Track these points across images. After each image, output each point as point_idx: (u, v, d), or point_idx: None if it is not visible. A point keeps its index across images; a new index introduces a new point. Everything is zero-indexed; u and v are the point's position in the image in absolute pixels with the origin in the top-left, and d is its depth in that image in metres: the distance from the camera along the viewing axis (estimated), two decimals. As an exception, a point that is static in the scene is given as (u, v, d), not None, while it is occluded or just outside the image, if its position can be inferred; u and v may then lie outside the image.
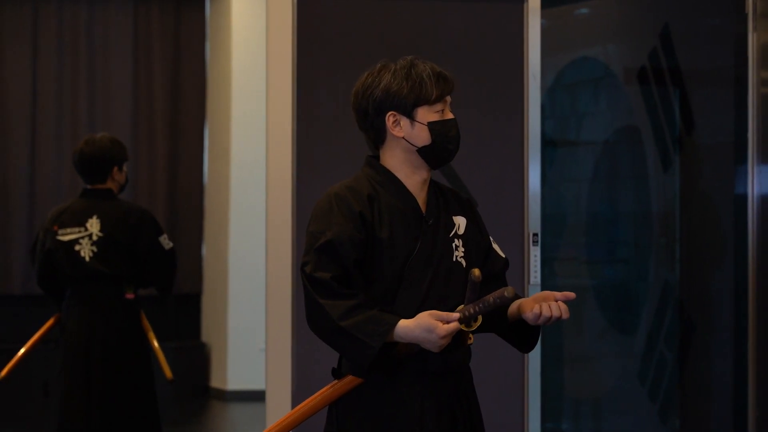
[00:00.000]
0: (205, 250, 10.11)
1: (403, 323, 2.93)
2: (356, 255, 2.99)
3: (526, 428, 5.14)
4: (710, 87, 6.38)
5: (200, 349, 9.99)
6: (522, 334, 3.17)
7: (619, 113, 6.53)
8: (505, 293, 2.86)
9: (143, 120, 9.89)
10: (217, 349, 9.86)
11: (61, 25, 9.69)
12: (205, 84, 10.06)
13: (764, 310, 5.47)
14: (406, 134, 3.09)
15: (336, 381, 3.08)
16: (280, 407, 4.93)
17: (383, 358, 2.95)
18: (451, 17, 5.16)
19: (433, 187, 3.17)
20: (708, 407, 6.34)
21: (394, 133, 3.09)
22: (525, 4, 5.17)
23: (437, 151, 3.10)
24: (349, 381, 3.05)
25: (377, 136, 3.13)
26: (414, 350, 2.98)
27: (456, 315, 2.92)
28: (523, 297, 5.00)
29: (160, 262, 5.62)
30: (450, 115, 3.12)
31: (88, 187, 5.64)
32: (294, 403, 4.87)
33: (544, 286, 5.24)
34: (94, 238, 5.51)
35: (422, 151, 3.09)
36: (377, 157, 3.16)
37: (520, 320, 3.10)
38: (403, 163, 3.11)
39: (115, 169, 5.62)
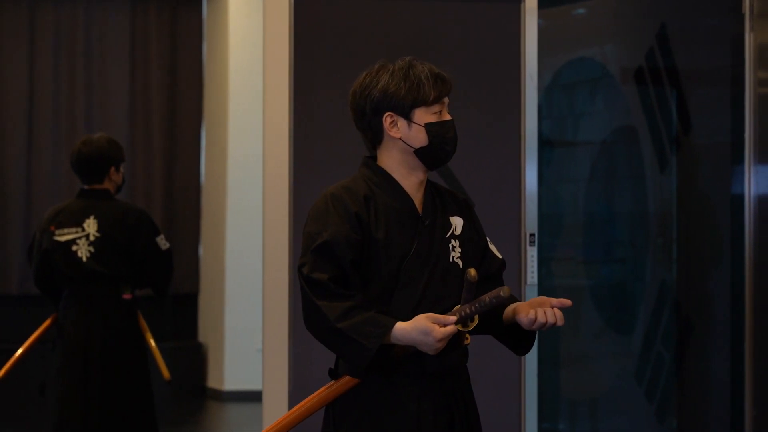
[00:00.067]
0: (202, 251, 10.11)
1: (400, 325, 2.93)
2: (353, 256, 2.99)
3: (523, 428, 5.14)
4: (707, 87, 6.38)
5: (197, 350, 9.98)
6: (517, 337, 3.17)
7: (616, 113, 6.53)
8: (501, 293, 2.86)
9: (140, 120, 9.88)
10: (214, 349, 9.85)
11: (58, 25, 9.68)
12: (202, 84, 10.05)
13: (761, 310, 5.47)
14: (404, 135, 3.09)
15: (333, 381, 3.09)
16: (277, 407, 4.93)
17: (380, 360, 2.95)
18: (449, 17, 5.16)
19: (430, 188, 3.17)
20: (705, 407, 6.34)
21: (392, 133, 3.09)
22: (522, 4, 5.17)
23: (434, 153, 3.10)
24: (346, 382, 3.05)
25: (374, 137, 3.13)
26: (410, 351, 2.98)
27: (453, 318, 2.92)
28: (520, 297, 5.03)
29: (156, 263, 5.61)
30: (447, 117, 3.12)
31: (85, 187, 5.63)
32: (291, 404, 4.87)
33: (541, 286, 5.24)
34: (92, 238, 5.51)
35: (419, 153, 3.09)
36: (374, 158, 3.16)
37: (515, 323, 3.10)
38: (399, 164, 3.11)
39: (113, 169, 5.62)
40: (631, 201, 6.51)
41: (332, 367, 3.13)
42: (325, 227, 3.01)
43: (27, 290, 9.25)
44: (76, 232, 5.52)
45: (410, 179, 3.12)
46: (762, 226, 5.50)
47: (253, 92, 9.19)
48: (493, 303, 2.89)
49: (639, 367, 6.38)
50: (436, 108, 3.09)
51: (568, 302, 3.02)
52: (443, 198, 3.18)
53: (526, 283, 5.11)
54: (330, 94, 5.03)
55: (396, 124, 3.08)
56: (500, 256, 3.26)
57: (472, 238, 3.18)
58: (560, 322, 3.01)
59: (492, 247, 3.25)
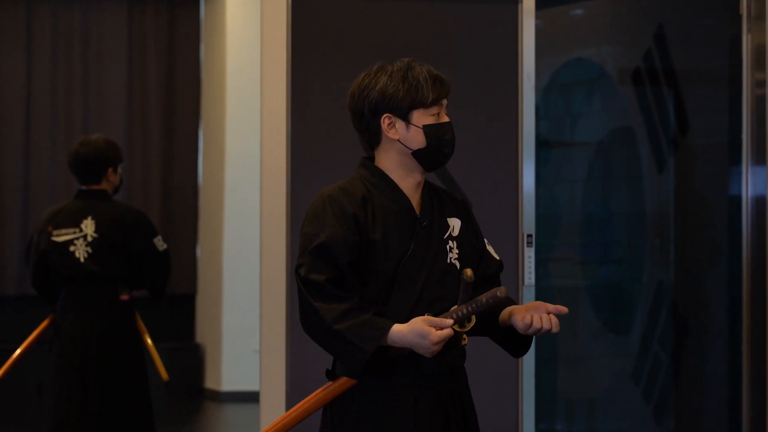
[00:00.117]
0: (200, 251, 10.11)
1: (396, 328, 2.93)
2: (350, 257, 2.99)
3: (521, 429, 5.14)
4: (705, 88, 6.38)
5: (195, 350, 9.98)
6: (514, 339, 3.17)
7: (614, 114, 6.54)
8: (498, 293, 2.86)
9: (138, 121, 9.88)
10: (212, 350, 9.85)
11: (56, 26, 9.68)
12: (200, 85, 10.05)
13: (758, 311, 5.47)
14: (402, 137, 3.08)
15: (330, 382, 3.09)
16: (274, 408, 4.93)
17: (376, 362, 2.95)
18: (446, 18, 5.16)
19: (427, 189, 3.17)
20: (702, 407, 6.34)
21: (390, 135, 3.09)
22: (519, 5, 5.17)
23: (432, 155, 3.09)
24: (344, 382, 3.05)
25: (372, 138, 3.13)
26: (406, 353, 2.98)
27: (449, 321, 2.92)
28: (517, 297, 5.03)
29: (154, 264, 5.61)
30: (446, 118, 3.11)
31: (83, 188, 5.63)
32: (288, 404, 4.87)
33: (539, 287, 5.25)
34: (89, 239, 5.51)
35: (417, 154, 3.09)
36: (372, 159, 3.16)
37: (511, 326, 3.10)
38: (397, 165, 3.11)
39: (110, 170, 5.62)
40: (629, 202, 6.52)
41: (329, 368, 3.13)
42: (323, 228, 3.01)
43: (24, 291, 9.25)
44: (74, 232, 5.52)
45: (408, 180, 3.12)
46: (759, 226, 5.50)
47: (250, 93, 9.19)
48: (489, 303, 2.89)
49: (636, 368, 6.38)
50: (434, 110, 3.09)
51: (564, 309, 3.03)
52: (441, 199, 3.18)
53: (523, 283, 5.11)
54: (327, 95, 5.02)
55: (394, 125, 3.08)
56: (498, 258, 3.26)
57: (470, 239, 3.18)
58: (555, 329, 3.01)
59: (489, 248, 3.25)
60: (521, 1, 5.16)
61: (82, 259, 5.49)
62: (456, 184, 5.07)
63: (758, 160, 5.53)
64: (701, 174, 6.34)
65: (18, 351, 5.63)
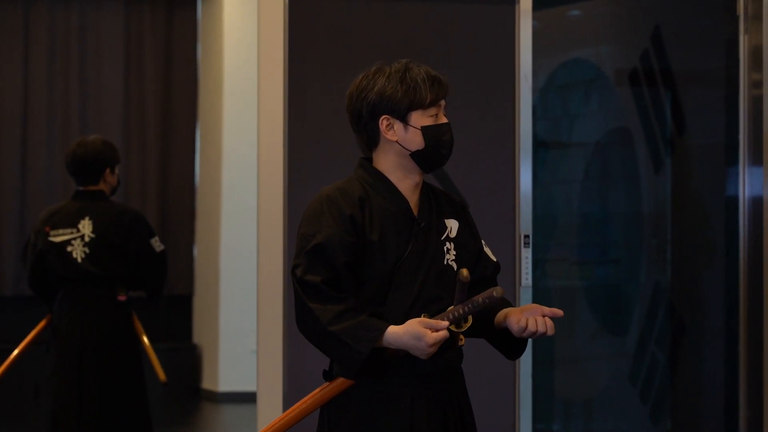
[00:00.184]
0: (197, 252, 10.11)
1: (392, 330, 2.94)
2: (347, 258, 2.99)
3: (518, 429, 5.14)
4: (702, 88, 6.39)
5: (192, 351, 9.98)
6: (509, 342, 3.17)
7: (611, 114, 6.54)
8: (494, 293, 2.86)
9: (135, 121, 9.88)
10: (209, 350, 9.85)
11: (52, 26, 9.67)
12: (197, 85, 10.05)
13: (755, 311, 5.48)
14: (400, 138, 3.08)
15: (327, 383, 3.09)
16: (271, 409, 4.93)
17: (372, 363, 2.95)
18: (443, 18, 5.16)
19: (425, 190, 3.17)
20: (699, 408, 6.35)
21: (388, 136, 3.08)
22: (516, 6, 5.17)
23: (430, 156, 3.09)
24: (341, 383, 3.05)
25: (370, 139, 3.12)
26: (401, 354, 2.98)
27: (445, 323, 2.92)
28: (514, 298, 5.03)
29: (150, 265, 5.61)
30: (444, 120, 3.11)
31: (80, 188, 5.63)
32: (285, 405, 4.87)
33: (536, 287, 5.25)
34: (86, 239, 5.51)
35: (415, 155, 3.09)
36: (370, 159, 3.16)
37: (506, 329, 3.10)
38: (395, 167, 3.11)
39: (108, 170, 5.62)
40: (626, 202, 6.52)
41: (326, 368, 3.13)
42: (319, 229, 3.01)
43: (22, 291, 9.24)
44: (71, 233, 5.52)
45: (406, 182, 3.12)
46: (756, 227, 5.51)
47: (247, 93, 9.19)
48: (486, 303, 2.89)
49: (633, 368, 6.39)
50: (432, 111, 3.09)
51: (560, 312, 3.02)
52: (439, 200, 3.18)
53: (520, 284, 5.11)
54: (324, 95, 5.03)
55: (392, 127, 3.08)
56: (495, 260, 3.25)
57: (467, 241, 3.18)
58: (550, 332, 3.01)
59: (487, 250, 3.24)
60: (518, 2, 5.16)
61: (79, 260, 5.49)
62: (453, 185, 5.07)
63: (755, 160, 5.53)
64: (698, 174, 6.34)
65: (15, 351, 5.63)
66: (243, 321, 9.40)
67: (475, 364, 3.83)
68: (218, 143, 9.73)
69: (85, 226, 5.53)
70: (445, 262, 3.10)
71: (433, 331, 2.90)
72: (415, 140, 3.08)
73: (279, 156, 5.03)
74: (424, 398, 3.06)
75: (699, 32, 6.40)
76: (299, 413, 3.10)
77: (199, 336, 10.08)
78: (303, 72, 5.05)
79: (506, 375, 5.11)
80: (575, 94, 6.62)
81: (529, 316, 3.01)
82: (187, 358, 9.90)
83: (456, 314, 2.92)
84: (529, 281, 5.11)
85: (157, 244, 5.64)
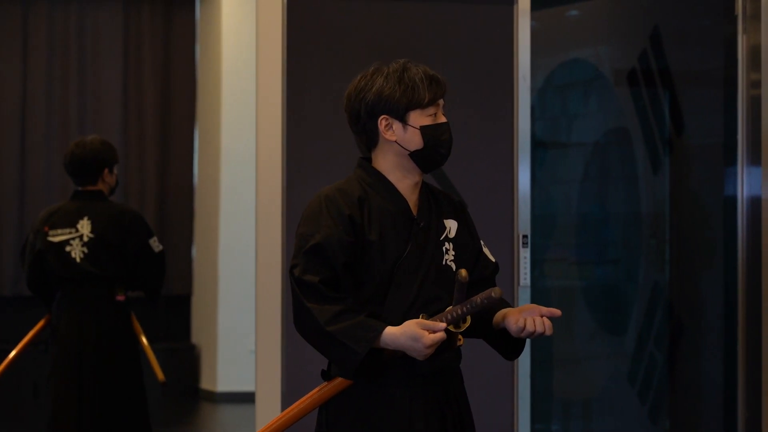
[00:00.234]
0: (196, 252, 10.11)
1: (389, 330, 2.93)
2: (345, 258, 2.99)
3: (516, 429, 5.14)
4: (700, 88, 6.39)
5: (190, 351, 9.98)
6: (507, 342, 3.17)
7: (609, 115, 6.54)
8: (492, 293, 2.86)
9: (133, 121, 9.88)
10: (207, 350, 9.85)
11: (52, 26, 9.67)
12: (195, 85, 10.05)
13: (753, 311, 5.48)
14: (399, 138, 3.08)
15: (326, 383, 3.09)
16: (269, 409, 4.93)
17: (370, 363, 2.95)
18: (442, 19, 5.16)
19: (425, 190, 3.17)
20: (698, 408, 6.35)
21: (387, 136, 3.08)
22: (515, 6, 5.17)
23: (429, 155, 3.09)
24: (339, 383, 3.05)
25: (369, 140, 3.12)
26: (399, 355, 2.98)
27: (442, 325, 2.91)
28: (513, 297, 5.04)
29: (149, 265, 5.61)
30: (443, 119, 3.11)
31: (79, 188, 5.63)
32: (284, 405, 4.87)
33: (534, 287, 5.25)
34: (85, 239, 5.51)
35: (414, 155, 3.09)
36: (369, 159, 3.16)
37: (505, 329, 3.10)
38: (395, 167, 3.11)
39: (106, 171, 5.62)
40: (624, 202, 6.52)
41: (325, 368, 3.13)
42: (318, 229, 3.01)
43: (20, 291, 9.24)
44: (70, 232, 5.52)
45: (405, 182, 3.12)
46: (754, 227, 5.51)
47: (246, 94, 9.19)
48: (484, 304, 2.89)
49: (632, 368, 6.39)
50: (431, 110, 3.09)
51: (557, 312, 3.02)
52: (438, 200, 3.18)
53: (519, 284, 5.11)
54: (323, 96, 5.03)
55: (391, 126, 3.08)
56: (494, 260, 3.25)
57: (466, 241, 3.18)
58: (548, 332, 3.01)
59: (485, 250, 3.24)
60: (517, 2, 5.17)
61: (78, 260, 5.49)
62: (451, 185, 5.07)
63: (753, 160, 5.53)
64: (697, 174, 6.34)
65: (14, 352, 5.63)
66: (241, 321, 9.40)
67: (473, 364, 3.83)
68: (217, 143, 9.73)
69: (84, 226, 5.53)
70: (444, 263, 3.10)
71: (430, 333, 2.90)
72: (414, 140, 3.08)
73: (277, 156, 5.04)
74: (422, 398, 3.06)
75: (697, 32, 6.40)
76: (297, 413, 3.10)
77: (197, 336, 10.08)
78: (301, 72, 5.05)
79: (505, 375, 5.11)
80: (574, 94, 6.62)
81: (527, 316, 3.01)
82: (185, 358, 9.90)
83: (454, 314, 2.92)
84: (528, 281, 5.11)
85: (155, 244, 5.64)
